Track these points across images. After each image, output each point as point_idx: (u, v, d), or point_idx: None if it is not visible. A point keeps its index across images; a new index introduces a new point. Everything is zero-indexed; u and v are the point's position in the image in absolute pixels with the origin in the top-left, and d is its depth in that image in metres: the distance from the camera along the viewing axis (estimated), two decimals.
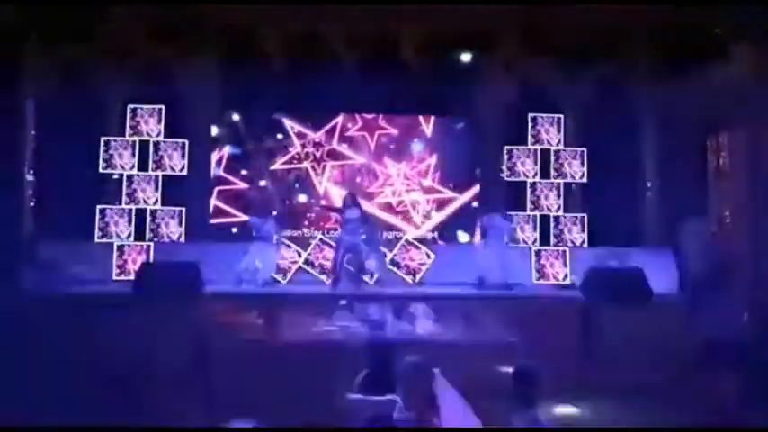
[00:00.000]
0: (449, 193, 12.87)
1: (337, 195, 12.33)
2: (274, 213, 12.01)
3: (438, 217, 12.86)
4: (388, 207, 12.81)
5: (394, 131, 12.95)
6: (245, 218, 12.02)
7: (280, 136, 12.83)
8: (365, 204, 11.43)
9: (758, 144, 10.43)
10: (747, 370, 5.57)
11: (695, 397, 5.67)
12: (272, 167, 12.76)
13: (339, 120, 12.89)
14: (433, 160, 12.94)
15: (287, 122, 12.84)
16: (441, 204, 12.89)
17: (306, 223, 12.56)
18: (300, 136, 12.84)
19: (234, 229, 12.49)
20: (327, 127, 12.88)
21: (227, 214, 12.59)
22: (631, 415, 5.82)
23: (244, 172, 12.75)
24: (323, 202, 12.48)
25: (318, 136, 12.85)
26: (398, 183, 12.89)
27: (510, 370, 3.94)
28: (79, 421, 5.47)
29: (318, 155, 12.81)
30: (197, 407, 5.84)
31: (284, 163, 12.80)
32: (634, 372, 6.88)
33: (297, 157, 12.80)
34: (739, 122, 10.91)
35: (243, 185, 12.73)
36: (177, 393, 6.00)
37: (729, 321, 5.65)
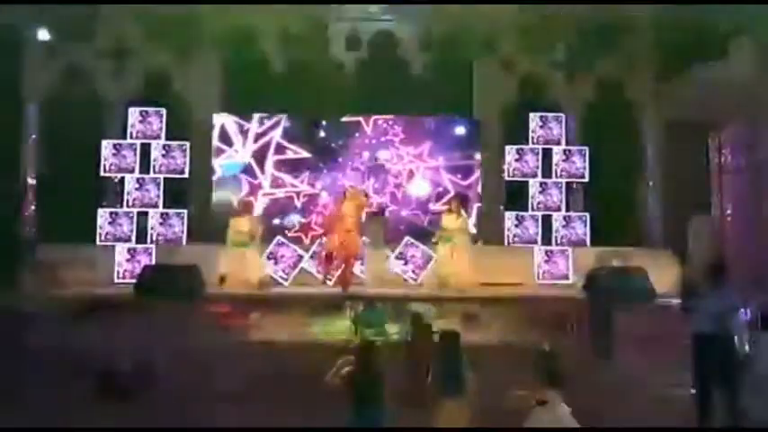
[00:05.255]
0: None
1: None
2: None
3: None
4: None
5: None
6: None
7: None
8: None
9: (759, 142, 10.39)
10: (746, 370, 5.55)
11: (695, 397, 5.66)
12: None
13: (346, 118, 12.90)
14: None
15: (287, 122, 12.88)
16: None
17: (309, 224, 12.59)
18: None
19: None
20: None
21: None
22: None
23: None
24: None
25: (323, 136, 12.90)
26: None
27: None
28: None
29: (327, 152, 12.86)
30: None
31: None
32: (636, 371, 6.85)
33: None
34: (741, 120, 10.87)
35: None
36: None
37: (730, 320, 5.61)
